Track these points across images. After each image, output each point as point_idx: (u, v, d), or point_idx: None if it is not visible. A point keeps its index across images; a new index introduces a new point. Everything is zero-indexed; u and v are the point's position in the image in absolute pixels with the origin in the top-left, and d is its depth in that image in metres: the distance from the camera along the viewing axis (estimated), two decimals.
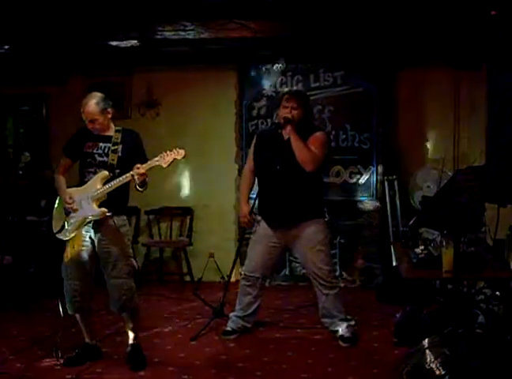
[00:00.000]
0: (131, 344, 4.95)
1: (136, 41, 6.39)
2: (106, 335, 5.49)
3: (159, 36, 6.10)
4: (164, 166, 4.57)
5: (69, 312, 4.88)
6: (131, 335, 4.94)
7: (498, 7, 4.63)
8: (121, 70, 7.75)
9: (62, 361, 4.87)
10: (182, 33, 6.00)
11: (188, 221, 7.77)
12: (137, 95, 7.83)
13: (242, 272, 5.54)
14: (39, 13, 5.23)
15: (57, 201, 4.94)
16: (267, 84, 7.47)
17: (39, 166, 7.80)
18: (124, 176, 4.61)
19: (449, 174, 5.88)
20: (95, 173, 4.73)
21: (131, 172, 4.56)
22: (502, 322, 4.63)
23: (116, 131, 4.83)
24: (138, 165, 4.57)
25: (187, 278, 7.61)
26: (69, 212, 4.76)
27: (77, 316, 4.91)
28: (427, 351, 4.06)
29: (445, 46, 6.75)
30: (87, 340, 4.99)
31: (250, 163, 5.53)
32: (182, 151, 4.59)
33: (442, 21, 5.64)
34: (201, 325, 5.72)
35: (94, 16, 5.37)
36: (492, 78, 5.33)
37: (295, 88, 7.31)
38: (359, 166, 7.33)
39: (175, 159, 4.57)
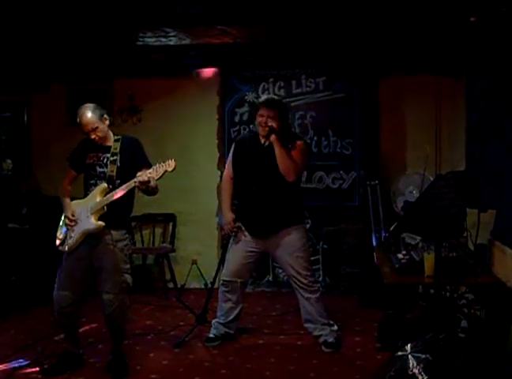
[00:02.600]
0: (114, 352, 4.94)
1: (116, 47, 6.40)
2: (89, 343, 5.47)
3: (140, 43, 6.09)
4: (156, 178, 4.55)
5: (57, 323, 4.87)
6: (115, 343, 4.94)
7: (477, 14, 4.66)
8: (102, 77, 7.73)
9: (43, 369, 4.85)
10: (164, 39, 5.99)
11: (171, 228, 7.75)
12: (118, 101, 7.80)
13: (221, 279, 5.53)
14: (20, 20, 5.20)
15: (63, 213, 4.93)
16: (249, 90, 7.47)
17: (21, 174, 7.76)
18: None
19: (431, 179, 5.89)
20: (96, 185, 4.74)
21: (134, 180, 4.57)
22: (484, 326, 4.65)
23: (115, 140, 4.82)
24: (142, 171, 4.56)
25: (170, 285, 7.58)
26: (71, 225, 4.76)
27: (63, 328, 4.91)
28: (410, 356, 4.06)
29: (426, 53, 6.79)
30: (69, 348, 4.97)
31: (229, 170, 5.53)
32: (172, 163, 4.54)
33: (423, 28, 5.67)
34: (184, 332, 5.71)
35: (74, 22, 5.34)
36: (471, 86, 5.39)
37: (277, 93, 7.33)
38: (341, 172, 7.34)
39: (166, 171, 4.54)
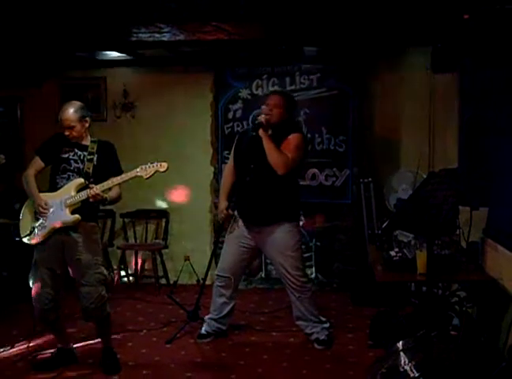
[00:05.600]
0: (103, 348, 4.94)
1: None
2: (81, 339, 5.46)
3: (134, 38, 6.07)
4: (145, 177, 4.58)
5: (40, 321, 4.85)
6: (103, 339, 4.95)
7: (471, 11, 4.66)
8: (96, 72, 7.72)
9: (35, 365, 4.84)
10: (158, 35, 5.97)
11: (164, 224, 7.74)
12: (112, 97, 7.79)
13: (216, 274, 5.53)
14: (14, 17, 5.19)
15: (25, 205, 4.90)
16: (243, 87, 7.46)
17: (14, 169, 7.74)
18: (82, 193, 4.62)
19: (425, 176, 5.89)
20: (68, 179, 4.71)
21: (87, 191, 4.59)
22: (476, 324, 4.66)
23: (92, 142, 4.83)
24: (92, 185, 4.59)
25: (163, 281, 7.58)
26: (40, 217, 4.73)
27: (47, 324, 4.90)
28: (402, 353, 4.06)
29: (420, 50, 6.79)
30: (60, 345, 4.97)
31: (231, 162, 5.54)
32: (164, 164, 4.60)
33: (417, 25, 5.67)
34: (176, 329, 5.72)
35: (68, 17, 5.33)
36: (464, 83, 5.40)
37: (271, 90, 7.30)
38: (334, 169, 7.32)
39: (157, 171, 4.57)
